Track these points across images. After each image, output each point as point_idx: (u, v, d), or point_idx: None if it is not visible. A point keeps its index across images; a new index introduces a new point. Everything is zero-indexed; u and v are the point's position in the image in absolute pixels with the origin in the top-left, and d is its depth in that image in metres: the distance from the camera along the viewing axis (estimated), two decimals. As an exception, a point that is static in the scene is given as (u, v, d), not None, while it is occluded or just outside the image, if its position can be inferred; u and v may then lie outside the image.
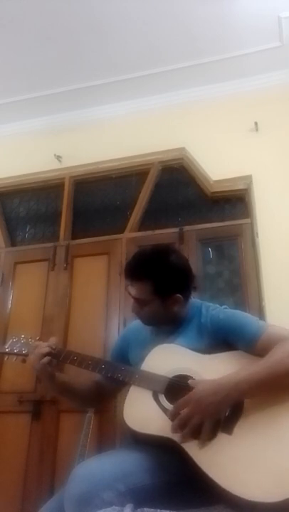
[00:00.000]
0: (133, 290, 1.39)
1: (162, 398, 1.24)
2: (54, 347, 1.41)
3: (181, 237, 3.04)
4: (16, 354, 1.48)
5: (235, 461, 1.08)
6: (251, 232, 2.96)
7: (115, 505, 1.02)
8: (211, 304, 1.47)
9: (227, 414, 1.16)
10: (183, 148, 3.32)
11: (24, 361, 1.47)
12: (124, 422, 1.22)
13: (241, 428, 1.13)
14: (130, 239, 3.14)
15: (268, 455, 1.08)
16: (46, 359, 1.37)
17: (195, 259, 2.93)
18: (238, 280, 2.89)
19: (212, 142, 3.23)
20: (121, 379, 1.34)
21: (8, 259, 3.35)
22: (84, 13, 2.90)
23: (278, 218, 2.88)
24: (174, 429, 1.14)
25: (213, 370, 1.24)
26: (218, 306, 1.44)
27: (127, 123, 3.50)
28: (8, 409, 2.81)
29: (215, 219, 3.14)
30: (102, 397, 1.55)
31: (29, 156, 3.61)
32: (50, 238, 3.43)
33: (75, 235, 3.38)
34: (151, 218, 3.28)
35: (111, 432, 2.54)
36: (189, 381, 1.22)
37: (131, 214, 3.29)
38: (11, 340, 1.51)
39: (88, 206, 3.51)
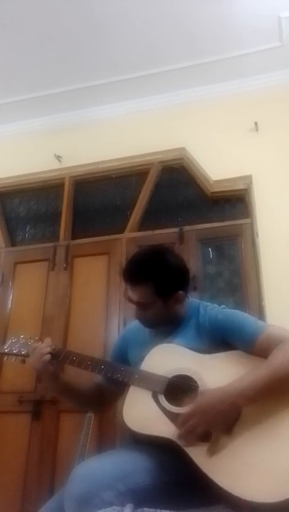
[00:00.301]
0: (134, 295, 1.38)
1: (162, 398, 1.24)
2: (53, 347, 1.41)
3: (181, 237, 3.04)
4: (16, 355, 1.47)
5: (235, 461, 1.08)
6: (251, 232, 2.96)
7: (115, 505, 1.02)
8: (209, 303, 1.46)
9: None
10: (183, 148, 3.32)
11: (23, 362, 1.47)
12: (124, 422, 1.22)
13: (240, 428, 1.13)
14: (130, 239, 3.14)
15: (267, 455, 1.08)
16: (47, 357, 1.37)
17: (195, 259, 2.93)
18: (238, 280, 2.89)
19: (212, 142, 3.23)
20: (120, 379, 1.34)
21: (8, 259, 3.35)
22: (84, 13, 2.90)
23: (278, 218, 2.88)
24: (181, 438, 1.14)
25: (212, 369, 1.24)
26: (216, 306, 1.44)
27: (127, 123, 3.50)
28: (8, 409, 2.81)
29: (215, 219, 3.14)
30: (104, 399, 1.54)
31: (29, 156, 3.61)
32: (50, 238, 3.43)
33: (75, 235, 3.37)
34: (151, 218, 3.28)
35: (111, 432, 2.54)
36: (199, 389, 1.21)
37: (131, 214, 3.29)
38: (10, 341, 1.51)
39: (88, 206, 3.51)
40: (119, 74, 3.33)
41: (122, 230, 3.23)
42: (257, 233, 2.89)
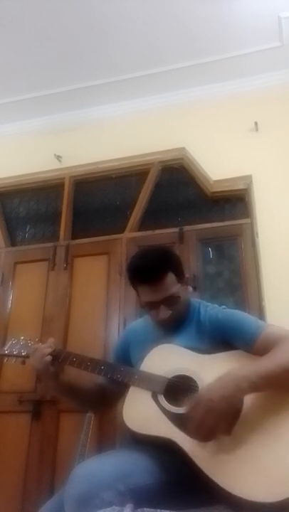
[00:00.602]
0: (161, 291, 1.36)
1: (161, 399, 1.24)
2: (54, 348, 1.42)
3: (181, 237, 3.04)
4: (16, 356, 1.47)
5: (235, 461, 1.08)
6: (251, 232, 2.96)
7: (115, 505, 1.01)
8: (209, 303, 1.47)
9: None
10: (183, 148, 3.32)
11: (24, 363, 1.47)
12: (124, 422, 1.22)
13: (240, 428, 1.13)
14: (130, 239, 3.14)
15: (268, 454, 1.08)
16: (48, 358, 1.38)
17: (195, 259, 2.93)
18: (238, 280, 2.89)
19: (212, 142, 3.23)
20: (120, 380, 1.34)
21: (8, 259, 3.35)
22: (84, 13, 2.90)
23: (278, 218, 2.88)
24: (192, 435, 1.11)
25: (211, 369, 1.24)
26: (216, 306, 1.45)
27: (126, 123, 3.50)
28: (8, 409, 2.81)
29: (215, 219, 3.14)
30: (106, 400, 1.53)
31: (29, 156, 3.61)
32: (50, 238, 3.43)
33: (75, 235, 3.38)
34: (151, 218, 3.28)
35: (111, 432, 2.54)
36: (199, 389, 1.20)
37: (131, 214, 3.29)
38: (10, 342, 1.51)
39: (88, 206, 3.51)
40: (118, 74, 3.33)
41: (122, 230, 3.23)
42: (257, 233, 2.89)
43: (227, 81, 3.34)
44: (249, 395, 1.16)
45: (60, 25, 2.99)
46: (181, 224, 3.14)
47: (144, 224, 3.26)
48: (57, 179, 3.60)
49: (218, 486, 1.05)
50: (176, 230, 3.09)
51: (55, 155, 3.50)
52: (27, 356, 1.45)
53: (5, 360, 1.52)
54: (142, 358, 1.36)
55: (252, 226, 2.97)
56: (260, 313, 2.61)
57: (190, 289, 1.52)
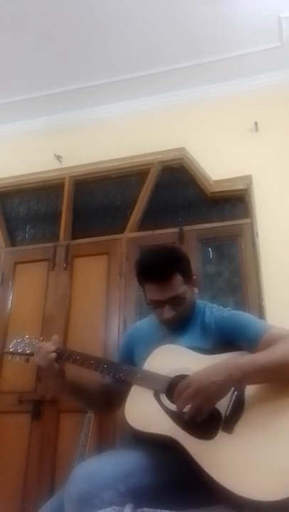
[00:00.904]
0: (169, 290, 1.37)
1: (163, 398, 1.24)
2: (58, 346, 1.43)
3: (181, 237, 3.04)
4: (21, 354, 1.50)
5: (236, 460, 1.08)
6: (251, 232, 2.96)
7: (115, 505, 1.02)
8: (214, 305, 1.48)
9: (229, 409, 1.16)
10: (183, 148, 3.32)
11: (28, 361, 1.49)
12: (126, 421, 1.22)
13: (242, 427, 1.13)
14: (130, 239, 3.14)
15: (269, 454, 1.08)
16: (53, 355, 1.39)
17: (195, 259, 2.92)
18: (238, 280, 2.89)
19: (212, 142, 3.23)
20: (123, 378, 1.34)
21: (8, 259, 3.35)
22: (84, 13, 2.90)
23: (278, 218, 2.88)
24: (179, 408, 1.15)
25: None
26: (221, 307, 1.46)
27: (126, 123, 3.50)
28: (8, 409, 2.81)
29: (215, 219, 3.14)
30: (111, 400, 1.52)
31: (29, 156, 3.61)
32: (50, 238, 3.43)
33: (75, 235, 3.38)
34: (151, 218, 3.28)
35: (111, 431, 2.54)
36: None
37: (131, 214, 3.29)
38: (15, 340, 1.53)
39: (88, 206, 3.51)
40: (119, 74, 3.33)
41: (122, 230, 3.23)
42: (257, 233, 2.89)
43: (227, 81, 3.34)
44: (250, 394, 1.17)
45: (60, 25, 2.99)
46: (181, 224, 3.14)
47: (144, 224, 3.26)
48: (57, 179, 3.60)
49: (218, 484, 1.05)
50: (176, 230, 3.09)
51: (55, 155, 3.50)
52: (32, 354, 1.47)
53: (9, 358, 1.54)
54: (145, 358, 1.37)
55: (252, 226, 2.97)
56: (260, 313, 2.61)
57: (196, 290, 1.49)
